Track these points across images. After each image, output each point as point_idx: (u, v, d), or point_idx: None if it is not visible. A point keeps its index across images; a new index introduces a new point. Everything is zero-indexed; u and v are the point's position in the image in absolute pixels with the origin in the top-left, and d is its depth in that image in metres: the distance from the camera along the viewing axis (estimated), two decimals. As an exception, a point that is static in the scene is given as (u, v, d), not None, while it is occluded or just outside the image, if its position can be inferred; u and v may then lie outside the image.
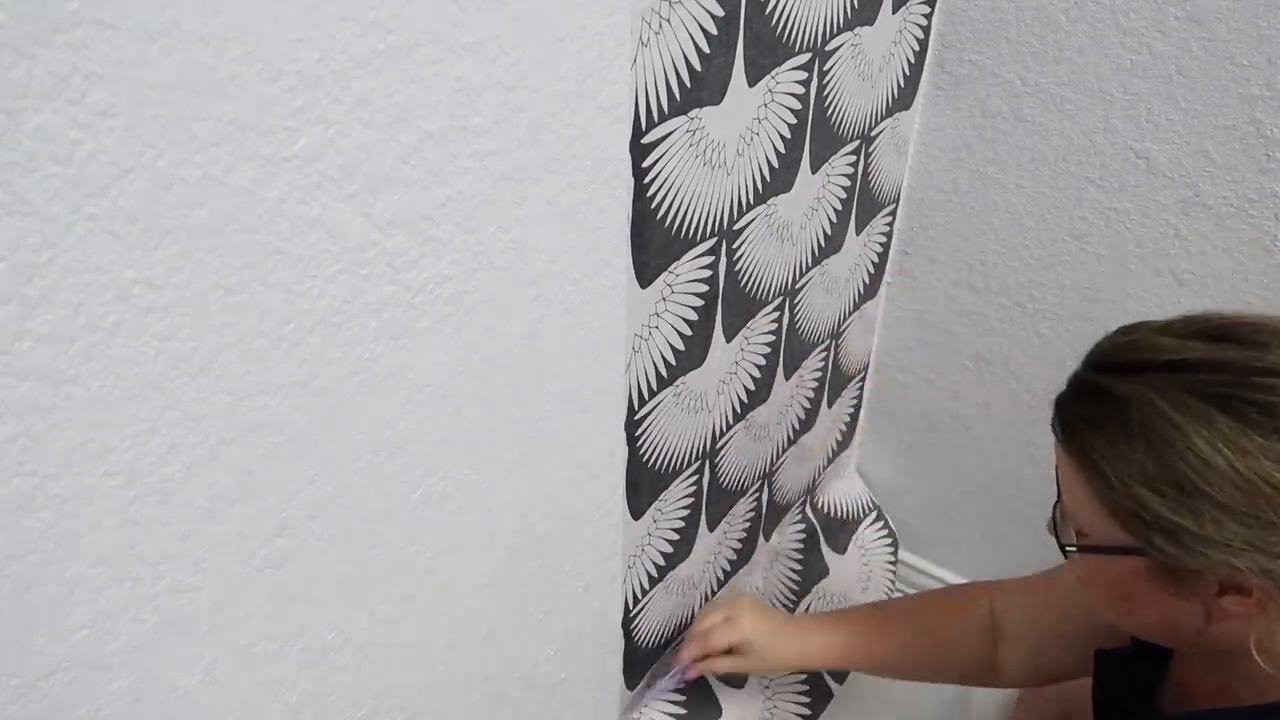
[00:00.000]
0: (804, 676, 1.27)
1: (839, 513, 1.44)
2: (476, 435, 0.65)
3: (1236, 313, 0.64)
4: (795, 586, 1.36)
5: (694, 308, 0.84)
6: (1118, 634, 0.78)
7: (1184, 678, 0.74)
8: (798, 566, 1.37)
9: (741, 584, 1.24)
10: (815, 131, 0.90)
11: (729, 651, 1.00)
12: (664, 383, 0.85)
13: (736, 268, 0.87)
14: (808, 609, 1.37)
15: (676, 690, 1.11)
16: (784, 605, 1.35)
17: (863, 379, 1.36)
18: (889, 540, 1.49)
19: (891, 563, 1.47)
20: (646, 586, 0.98)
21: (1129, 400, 0.61)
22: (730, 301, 0.89)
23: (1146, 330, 0.64)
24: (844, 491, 1.46)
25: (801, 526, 1.37)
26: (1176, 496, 0.59)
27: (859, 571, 1.43)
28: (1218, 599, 0.61)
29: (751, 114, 0.79)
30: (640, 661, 1.05)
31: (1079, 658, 0.83)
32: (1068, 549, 0.68)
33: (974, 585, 1.01)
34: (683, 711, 1.12)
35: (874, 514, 1.47)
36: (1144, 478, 0.60)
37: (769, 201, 0.88)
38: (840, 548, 1.42)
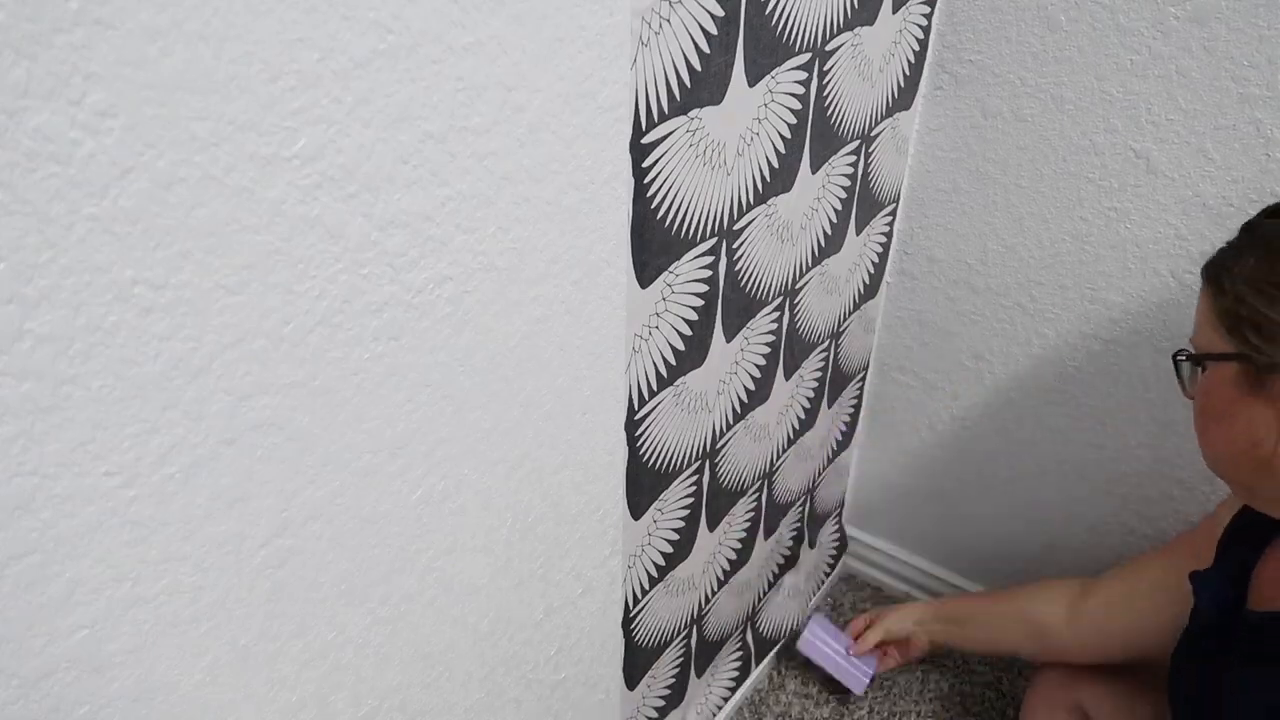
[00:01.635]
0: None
1: (823, 510, 1.44)
2: (476, 435, 0.65)
3: None
4: (773, 576, 1.36)
5: (694, 308, 0.84)
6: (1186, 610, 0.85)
7: (1269, 569, 0.79)
8: (780, 559, 1.37)
9: (740, 581, 1.24)
10: (815, 131, 0.90)
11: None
12: (664, 383, 0.85)
13: (736, 268, 0.87)
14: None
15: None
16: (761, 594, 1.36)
17: (863, 379, 1.36)
18: (837, 544, 1.51)
19: (832, 562, 1.52)
20: (646, 586, 0.98)
21: (1265, 226, 0.71)
22: (730, 301, 0.89)
23: None
24: (835, 487, 1.46)
25: (796, 521, 1.37)
26: (1271, 293, 0.66)
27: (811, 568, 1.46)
28: None
29: (751, 114, 0.79)
30: (640, 661, 1.05)
31: (1146, 633, 0.95)
32: (1177, 357, 0.77)
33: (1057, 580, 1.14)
34: None
35: (836, 515, 1.48)
36: (1253, 279, 0.68)
37: (769, 201, 0.88)
38: (811, 542, 1.43)
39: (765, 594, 1.35)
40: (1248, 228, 0.73)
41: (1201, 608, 0.83)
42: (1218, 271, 0.72)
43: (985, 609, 1.19)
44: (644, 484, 0.89)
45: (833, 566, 1.53)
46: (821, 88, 0.88)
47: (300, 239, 0.48)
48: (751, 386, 1.01)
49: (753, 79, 0.76)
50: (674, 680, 1.16)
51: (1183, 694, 0.84)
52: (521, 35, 0.55)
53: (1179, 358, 0.77)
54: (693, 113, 0.71)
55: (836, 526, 1.53)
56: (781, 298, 0.99)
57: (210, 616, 0.52)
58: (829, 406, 1.26)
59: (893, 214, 1.20)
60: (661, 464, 0.90)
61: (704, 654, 1.22)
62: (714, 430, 0.97)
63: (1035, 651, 1.13)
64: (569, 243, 0.66)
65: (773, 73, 0.79)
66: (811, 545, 1.43)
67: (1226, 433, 0.73)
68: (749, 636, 1.36)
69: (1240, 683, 0.75)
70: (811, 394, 1.18)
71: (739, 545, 1.17)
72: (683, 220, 0.76)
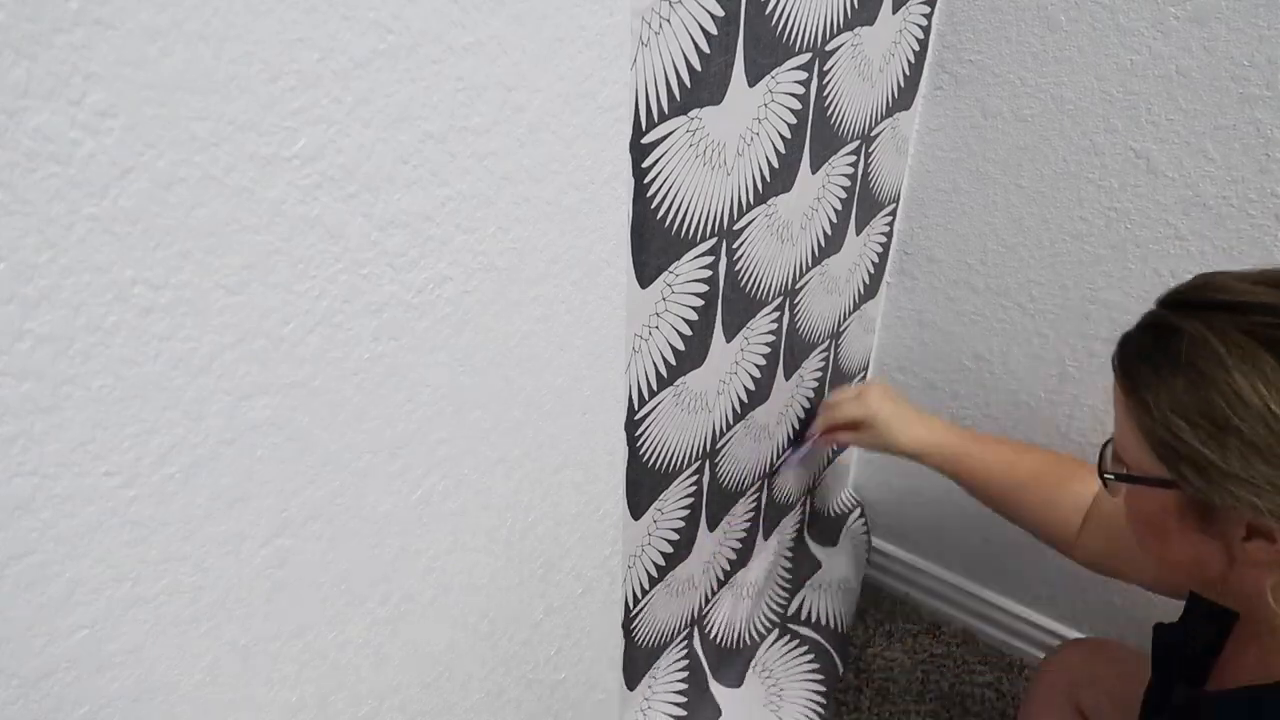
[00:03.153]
0: (820, 684, 1.29)
1: (829, 509, 1.44)
2: (476, 435, 0.65)
3: None
4: (787, 583, 1.36)
5: (694, 308, 0.84)
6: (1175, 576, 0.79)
7: (1231, 654, 0.75)
8: (788, 564, 1.37)
9: (740, 581, 1.24)
10: (815, 131, 0.90)
11: (855, 428, 1.07)
12: (664, 383, 0.85)
13: (736, 268, 0.87)
14: (801, 603, 1.37)
15: (678, 692, 1.11)
16: (779, 600, 1.36)
17: (863, 379, 1.36)
18: (866, 532, 1.51)
19: (868, 553, 1.50)
20: (646, 586, 0.98)
21: (1183, 334, 0.62)
22: (730, 301, 0.89)
23: (1223, 275, 0.66)
24: (833, 487, 1.46)
25: (796, 522, 1.37)
26: (1209, 429, 0.60)
27: (849, 561, 1.45)
28: (1243, 543, 0.62)
29: (751, 114, 0.79)
30: (640, 661, 1.05)
31: (1142, 569, 0.87)
32: (1105, 476, 0.70)
33: (1089, 466, 1.01)
34: (683, 714, 1.13)
35: (858, 509, 1.48)
36: (1181, 408, 0.61)
37: (769, 201, 0.88)
38: (830, 540, 1.42)
39: (765, 593, 1.35)
40: (1159, 332, 0.65)
41: (1155, 672, 0.79)
42: (1137, 387, 0.64)
43: (996, 483, 1.04)
44: (644, 484, 0.89)
45: (867, 554, 1.52)
46: (821, 88, 0.88)
47: (300, 239, 0.48)
48: (751, 386, 1.01)
49: (753, 79, 0.76)
50: (674, 680, 1.16)
51: None
52: (521, 35, 0.55)
53: (1107, 475, 0.70)
54: (693, 113, 0.71)
55: (861, 519, 1.52)
56: (781, 298, 0.99)
57: (210, 616, 0.52)
58: (829, 406, 1.26)
59: (893, 214, 1.20)
60: (661, 464, 0.90)
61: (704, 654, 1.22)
62: (714, 430, 0.97)
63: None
64: (569, 243, 0.66)
65: (773, 73, 0.79)
66: (834, 544, 1.43)
67: (1167, 551, 0.68)
68: (748, 636, 1.36)
69: None
70: (811, 394, 1.18)
71: (739, 545, 1.17)
72: (683, 220, 0.76)
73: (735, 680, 1.25)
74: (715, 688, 1.21)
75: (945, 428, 1.06)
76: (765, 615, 1.33)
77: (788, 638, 1.33)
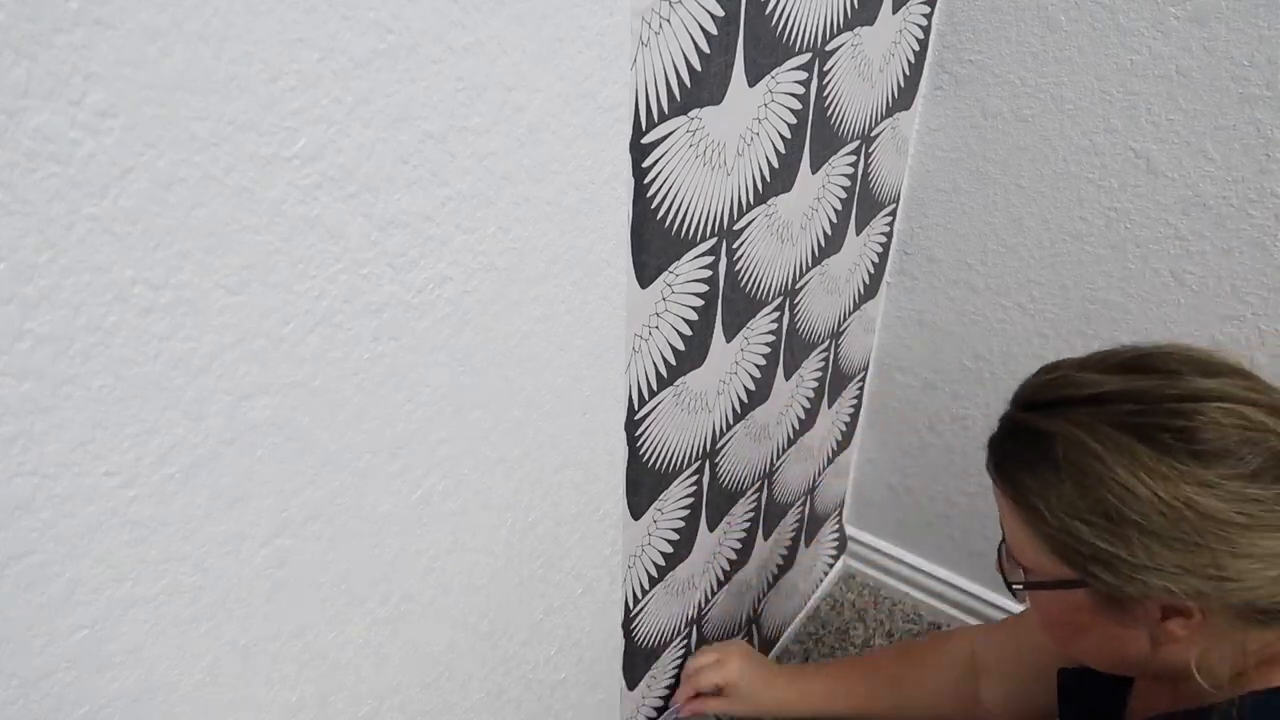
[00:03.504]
0: None
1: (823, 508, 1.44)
2: (476, 435, 0.65)
3: (1151, 343, 0.66)
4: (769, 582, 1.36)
5: (694, 308, 0.84)
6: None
7: (1140, 702, 0.75)
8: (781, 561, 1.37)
9: (740, 581, 1.24)
10: (815, 131, 0.90)
11: (719, 693, 1.05)
12: (664, 383, 0.85)
13: (736, 268, 0.87)
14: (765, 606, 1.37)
15: None
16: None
17: (863, 379, 1.36)
18: (838, 540, 1.51)
19: (831, 561, 1.50)
20: (646, 586, 0.98)
21: (1053, 436, 0.63)
22: (730, 301, 0.89)
23: (1067, 367, 0.68)
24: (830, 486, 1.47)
25: (796, 520, 1.37)
26: (1106, 526, 0.60)
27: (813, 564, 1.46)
28: (1162, 624, 0.62)
29: (751, 114, 0.79)
30: (640, 661, 1.05)
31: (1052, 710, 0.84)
32: (1014, 586, 0.69)
33: (956, 630, 1.04)
34: None
35: (837, 512, 1.49)
36: (1074, 510, 0.61)
37: (769, 201, 0.88)
38: (808, 541, 1.43)
39: (765, 594, 1.35)
40: (1029, 437, 0.65)
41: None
42: (1025, 494, 0.64)
43: (877, 704, 1.01)
44: (644, 484, 0.89)
45: (831, 565, 1.53)
46: (821, 88, 0.88)
47: (300, 239, 0.48)
48: (751, 386, 1.01)
49: (753, 79, 0.76)
50: (674, 680, 1.16)
51: None
52: (521, 35, 0.55)
53: (1016, 586, 0.69)
54: (693, 113, 0.71)
55: (836, 526, 1.53)
56: (781, 298, 0.99)
57: (210, 616, 0.52)
58: (829, 406, 1.26)
59: (893, 214, 1.20)
60: (661, 464, 0.90)
61: (704, 654, 1.22)
62: (714, 430, 0.97)
63: None
64: (569, 243, 0.66)
65: (773, 73, 0.79)
66: (808, 544, 1.43)
67: (1087, 644, 0.68)
68: (749, 637, 1.36)
69: None
70: (811, 394, 1.18)
71: (739, 545, 1.17)
72: (683, 220, 0.76)
73: None
74: None
75: (805, 676, 1.06)
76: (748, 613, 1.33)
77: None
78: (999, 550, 0.72)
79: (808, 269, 1.02)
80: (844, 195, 1.03)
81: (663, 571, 1.00)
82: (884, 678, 1.02)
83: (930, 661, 1.00)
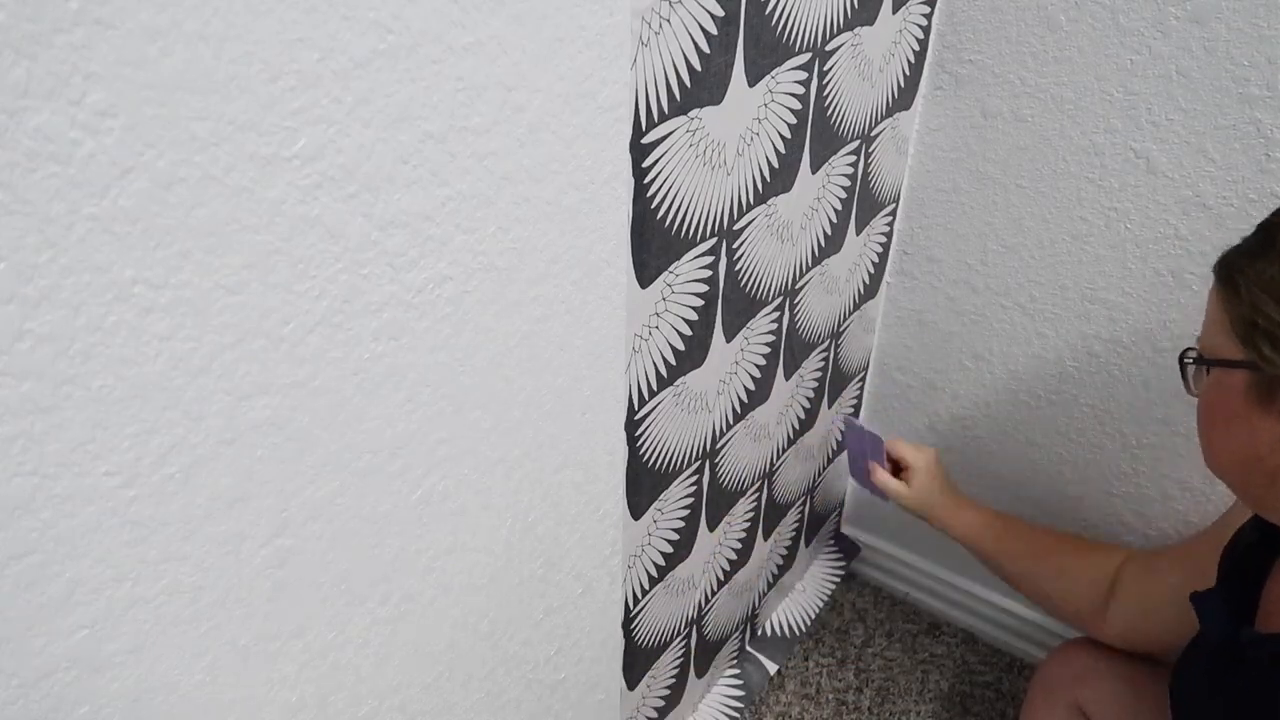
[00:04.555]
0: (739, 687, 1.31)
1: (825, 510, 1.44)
2: (476, 435, 0.65)
3: None
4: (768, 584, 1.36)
5: (694, 308, 0.84)
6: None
7: (1275, 603, 0.78)
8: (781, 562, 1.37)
9: (740, 581, 1.24)
10: (815, 131, 0.90)
11: (902, 472, 1.17)
12: (664, 383, 0.85)
13: (736, 268, 0.87)
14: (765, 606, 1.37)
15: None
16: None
17: (863, 379, 1.36)
18: (837, 552, 1.52)
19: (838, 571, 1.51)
20: (646, 586, 0.98)
21: (1277, 226, 0.69)
22: (730, 301, 0.89)
23: None
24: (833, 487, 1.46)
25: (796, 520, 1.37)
26: None
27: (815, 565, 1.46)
28: None
29: (751, 114, 0.79)
30: (640, 661, 1.05)
31: (1180, 633, 0.88)
32: (1185, 360, 0.75)
33: (1111, 545, 1.09)
34: None
35: (836, 513, 1.49)
36: (1270, 287, 0.66)
37: (769, 201, 0.88)
38: (807, 542, 1.43)
39: (765, 594, 1.35)
40: (1266, 229, 0.71)
41: (1206, 630, 0.81)
42: (1232, 273, 0.69)
43: (1020, 564, 1.11)
44: (644, 484, 0.89)
45: (840, 573, 1.53)
46: (821, 88, 0.88)
47: (300, 239, 0.48)
48: (751, 386, 1.01)
49: (753, 79, 0.76)
50: (674, 680, 1.16)
51: (1188, 709, 0.83)
52: (521, 35, 0.55)
53: (1185, 359, 0.75)
54: (693, 113, 0.71)
55: (833, 537, 1.53)
56: (781, 298, 0.99)
57: (210, 616, 0.52)
58: (829, 406, 1.26)
59: (893, 214, 1.20)
60: (661, 464, 0.90)
61: (704, 654, 1.22)
62: (714, 430, 0.97)
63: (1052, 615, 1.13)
64: (569, 243, 0.66)
65: (773, 73, 0.79)
66: (808, 544, 1.43)
67: (1230, 440, 0.72)
68: (748, 637, 1.36)
69: (1248, 705, 0.74)
70: (811, 394, 1.18)
71: (739, 545, 1.17)
72: (683, 220, 0.76)
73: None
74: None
75: (979, 508, 1.15)
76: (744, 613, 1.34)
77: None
78: (1183, 356, 0.76)
79: (808, 269, 1.02)
80: (844, 195, 1.03)
81: (663, 571, 1.00)
82: (1036, 548, 1.10)
83: (1082, 556, 1.07)
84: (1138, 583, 1.00)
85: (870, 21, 0.92)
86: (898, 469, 1.19)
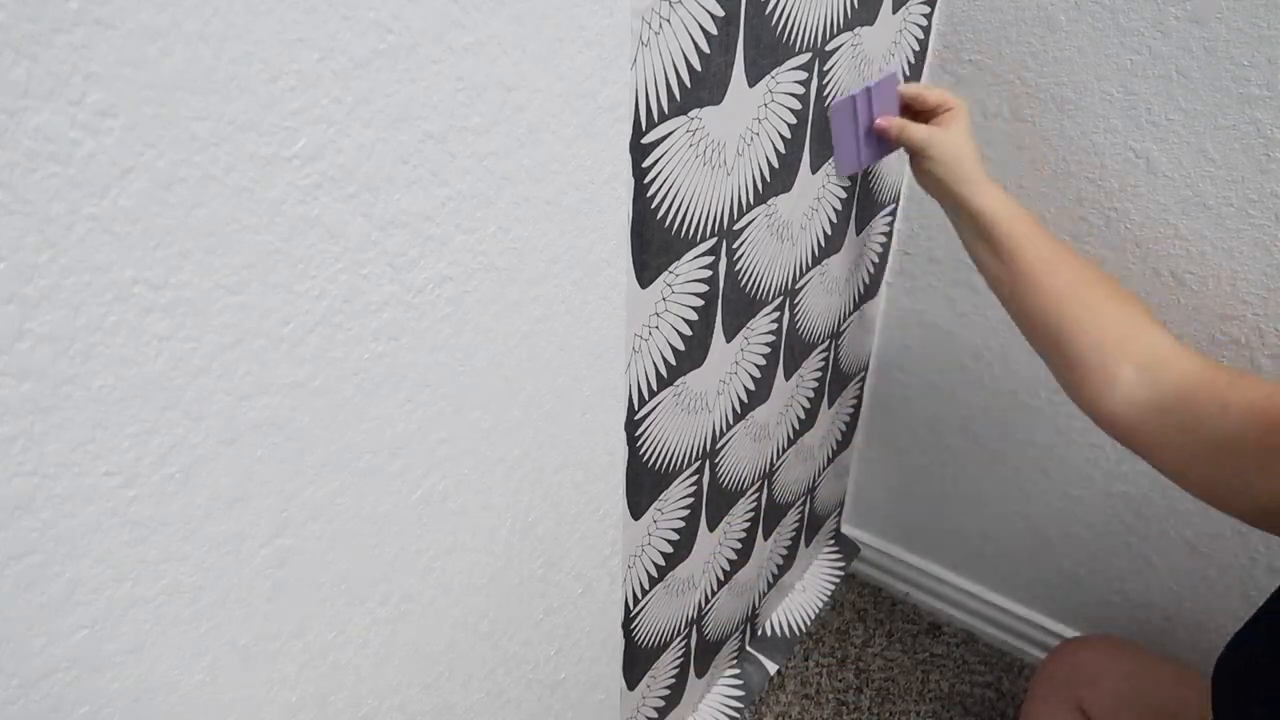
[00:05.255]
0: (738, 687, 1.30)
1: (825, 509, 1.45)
2: (476, 435, 0.65)
3: None
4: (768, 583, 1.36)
5: (694, 308, 0.84)
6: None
7: None
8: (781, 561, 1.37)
9: (740, 581, 1.24)
10: (815, 131, 0.90)
11: (932, 119, 0.92)
12: (664, 383, 0.85)
13: (736, 268, 0.87)
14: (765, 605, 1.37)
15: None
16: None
17: (863, 379, 1.36)
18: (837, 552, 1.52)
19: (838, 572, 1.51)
20: (646, 586, 0.98)
21: None
22: (730, 301, 0.89)
23: None
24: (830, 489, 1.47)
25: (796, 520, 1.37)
26: None
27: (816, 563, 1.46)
28: None
29: (752, 114, 0.79)
30: (640, 661, 1.05)
31: (1191, 455, 0.73)
32: None
33: (1159, 323, 0.82)
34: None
35: (837, 513, 1.49)
36: None
37: (769, 201, 0.88)
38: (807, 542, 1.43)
39: (765, 594, 1.35)
40: None
41: None
42: None
43: (1044, 262, 0.84)
44: (644, 484, 0.89)
45: (840, 573, 1.53)
46: (821, 88, 0.88)
47: (300, 239, 0.48)
48: (751, 386, 1.01)
49: (753, 79, 0.76)
50: (674, 680, 1.16)
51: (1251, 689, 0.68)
52: (521, 35, 0.55)
53: None
54: (693, 113, 0.71)
55: (833, 537, 1.53)
56: (781, 298, 0.99)
57: (210, 616, 0.52)
58: (829, 406, 1.26)
59: (893, 214, 1.20)
60: (661, 464, 0.90)
61: (704, 654, 1.22)
62: (714, 430, 0.97)
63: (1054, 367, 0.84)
64: (569, 243, 0.66)
65: (773, 73, 0.79)
66: (808, 544, 1.43)
67: None
68: (748, 637, 1.36)
69: None
70: (811, 394, 1.18)
71: (739, 545, 1.17)
72: (683, 220, 0.76)
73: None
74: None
75: (1007, 196, 0.88)
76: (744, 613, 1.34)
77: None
78: None
79: (808, 269, 1.02)
80: (844, 195, 1.03)
81: (663, 571, 1.00)
82: (1068, 264, 0.84)
83: (1132, 306, 0.82)
84: (1177, 375, 0.75)
85: (870, 21, 0.92)
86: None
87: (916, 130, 0.91)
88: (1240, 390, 0.72)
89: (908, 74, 1.07)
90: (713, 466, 1.00)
